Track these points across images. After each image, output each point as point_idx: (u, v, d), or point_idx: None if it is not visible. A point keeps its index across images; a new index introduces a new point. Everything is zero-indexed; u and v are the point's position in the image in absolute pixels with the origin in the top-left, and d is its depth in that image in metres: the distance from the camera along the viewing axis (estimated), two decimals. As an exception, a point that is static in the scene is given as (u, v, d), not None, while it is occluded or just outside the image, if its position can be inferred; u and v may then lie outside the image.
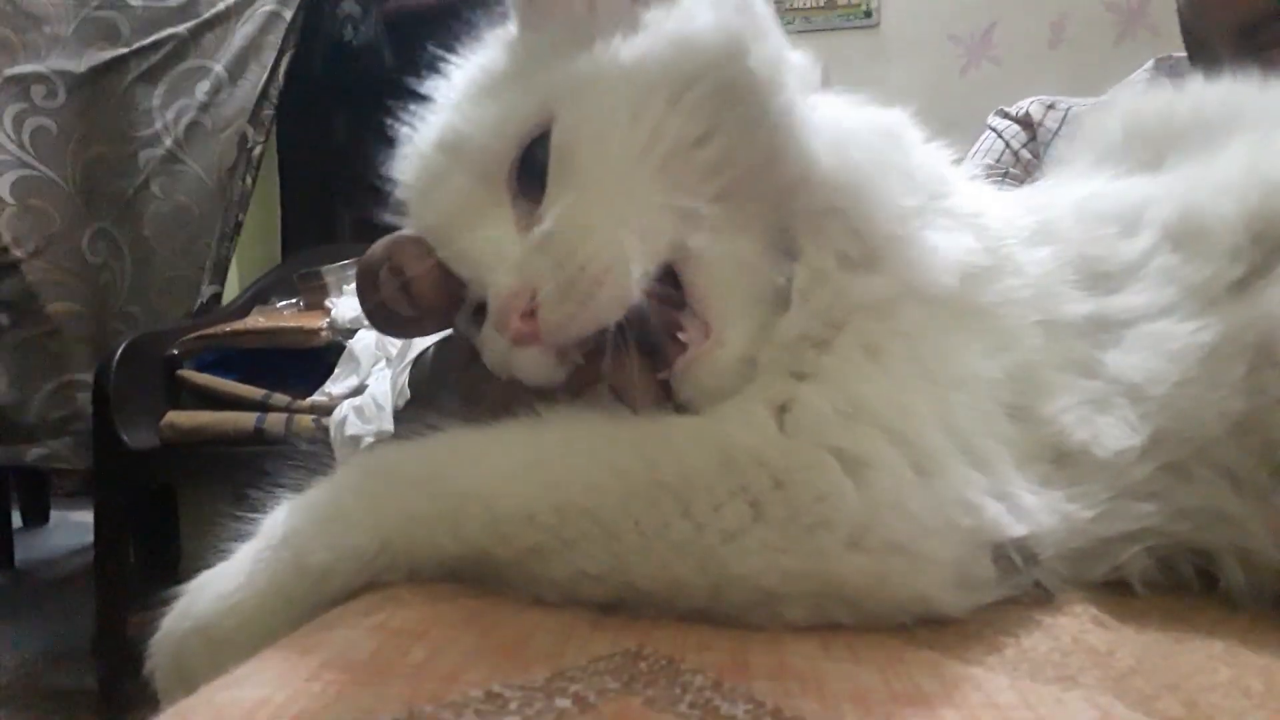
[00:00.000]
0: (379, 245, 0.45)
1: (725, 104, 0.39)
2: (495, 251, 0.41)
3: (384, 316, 0.45)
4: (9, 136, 2.17)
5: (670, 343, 0.39)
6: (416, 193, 0.45)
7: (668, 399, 0.40)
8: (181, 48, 2.42)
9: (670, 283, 0.40)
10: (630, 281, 0.38)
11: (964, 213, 0.44)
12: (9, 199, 2.15)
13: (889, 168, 0.42)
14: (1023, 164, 1.15)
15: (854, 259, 0.40)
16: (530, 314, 0.39)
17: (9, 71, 2.20)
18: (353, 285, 2.35)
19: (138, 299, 2.38)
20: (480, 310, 0.43)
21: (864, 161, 0.41)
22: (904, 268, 0.40)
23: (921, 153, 0.46)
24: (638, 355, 0.39)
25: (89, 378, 2.23)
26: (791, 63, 0.42)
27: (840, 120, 0.43)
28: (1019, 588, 0.38)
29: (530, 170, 0.41)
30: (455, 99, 0.45)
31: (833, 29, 2.66)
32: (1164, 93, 0.53)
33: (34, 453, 2.19)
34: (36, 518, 3.22)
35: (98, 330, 2.30)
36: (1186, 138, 0.49)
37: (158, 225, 2.39)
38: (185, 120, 2.40)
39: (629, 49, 0.41)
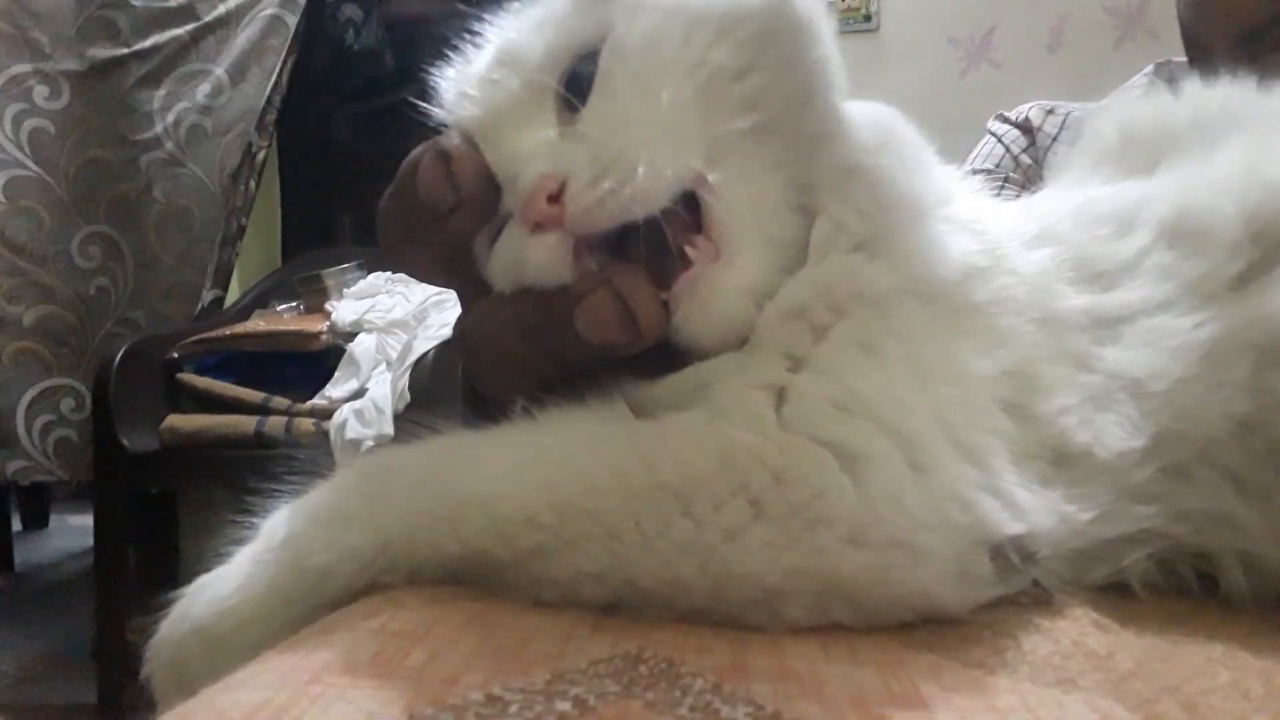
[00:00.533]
0: (424, 144, 0.45)
1: (768, 43, 0.41)
2: (534, 147, 0.41)
3: (414, 222, 0.44)
4: (7, 136, 2.17)
5: (678, 261, 0.40)
6: (466, 95, 0.45)
7: (669, 317, 0.40)
8: (182, 51, 2.43)
9: (689, 208, 0.40)
10: (662, 180, 0.39)
11: (964, 219, 0.45)
12: (1, 198, 2.15)
13: (914, 149, 0.45)
14: (1022, 169, 1.15)
15: (870, 224, 0.41)
16: (556, 199, 0.39)
17: (14, 70, 2.20)
18: (353, 288, 2.36)
19: (141, 304, 2.37)
20: (500, 233, 0.43)
21: (895, 133, 0.44)
22: (909, 257, 0.41)
23: (933, 160, 0.47)
24: (645, 269, 0.39)
25: (74, 383, 2.21)
26: (830, 28, 0.44)
27: (874, 104, 0.45)
28: (1017, 586, 0.38)
29: (576, 84, 0.42)
30: (513, 28, 0.46)
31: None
32: (1161, 98, 0.54)
33: (14, 466, 2.14)
34: (36, 521, 3.23)
35: (87, 336, 2.28)
36: (1183, 142, 0.49)
37: (161, 229, 2.39)
38: (186, 123, 2.40)
39: None
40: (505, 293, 0.43)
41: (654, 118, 0.40)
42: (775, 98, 0.41)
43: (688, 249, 0.39)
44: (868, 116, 0.44)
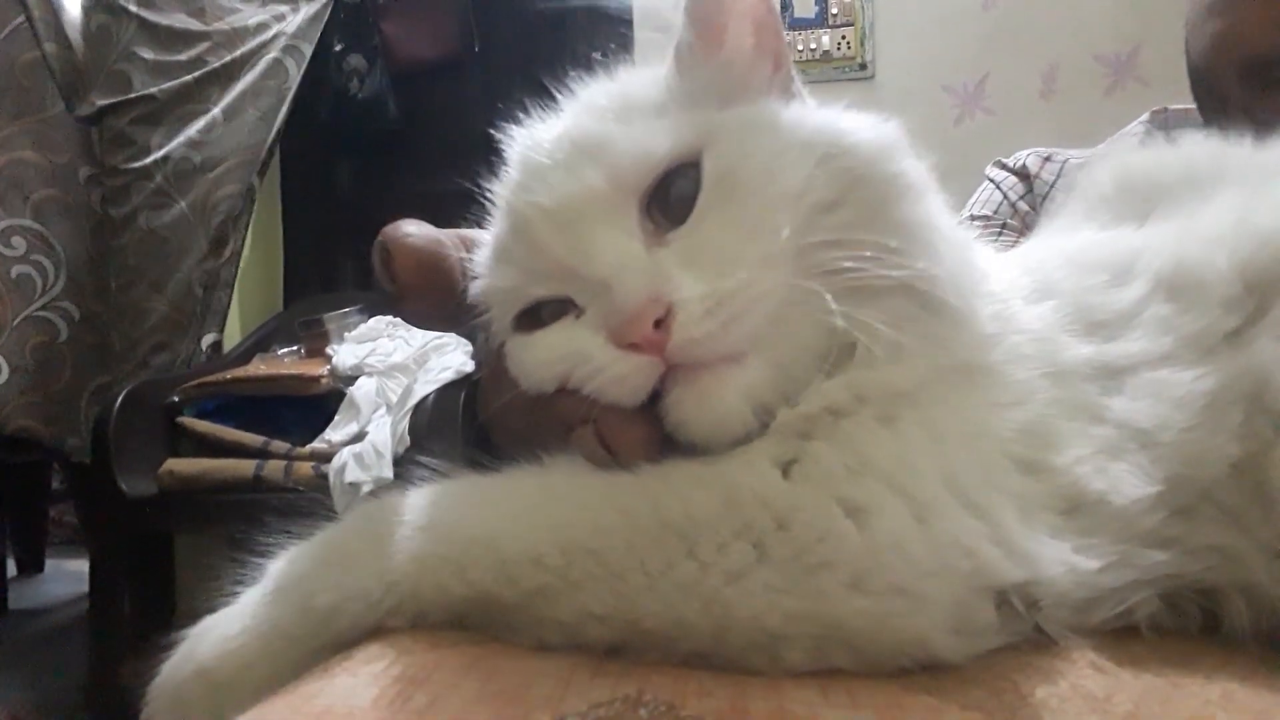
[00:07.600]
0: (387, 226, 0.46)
1: (856, 183, 0.41)
2: (622, 254, 0.40)
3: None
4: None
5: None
6: (533, 167, 0.43)
7: (655, 452, 0.39)
8: (184, 93, 2.48)
9: None
10: (768, 314, 0.38)
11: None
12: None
13: (970, 267, 0.45)
14: (1020, 215, 1.16)
15: (922, 348, 0.40)
16: (660, 323, 0.38)
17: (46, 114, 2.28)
18: (354, 332, 2.37)
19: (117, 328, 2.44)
20: (524, 316, 0.43)
21: (959, 274, 0.42)
22: (949, 350, 0.41)
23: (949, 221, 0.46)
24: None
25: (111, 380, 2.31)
26: (932, 186, 0.44)
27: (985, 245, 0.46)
28: (1020, 634, 0.38)
29: (662, 196, 0.41)
30: (588, 107, 0.45)
31: (829, 81, 2.70)
32: (1156, 149, 0.55)
33: (71, 442, 2.28)
34: (31, 565, 3.19)
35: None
36: (1175, 192, 0.50)
37: (142, 255, 2.44)
38: (176, 157, 2.45)
39: (789, 111, 0.43)
40: (524, 396, 0.43)
41: (766, 251, 0.39)
42: (861, 234, 0.39)
43: None
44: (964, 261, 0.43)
